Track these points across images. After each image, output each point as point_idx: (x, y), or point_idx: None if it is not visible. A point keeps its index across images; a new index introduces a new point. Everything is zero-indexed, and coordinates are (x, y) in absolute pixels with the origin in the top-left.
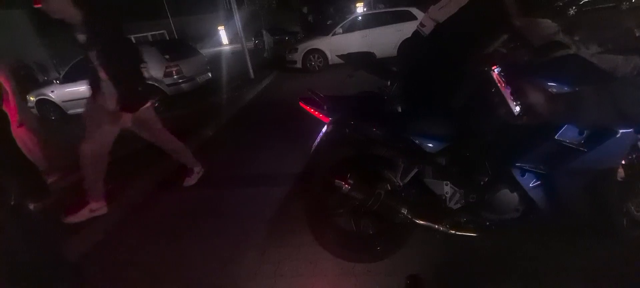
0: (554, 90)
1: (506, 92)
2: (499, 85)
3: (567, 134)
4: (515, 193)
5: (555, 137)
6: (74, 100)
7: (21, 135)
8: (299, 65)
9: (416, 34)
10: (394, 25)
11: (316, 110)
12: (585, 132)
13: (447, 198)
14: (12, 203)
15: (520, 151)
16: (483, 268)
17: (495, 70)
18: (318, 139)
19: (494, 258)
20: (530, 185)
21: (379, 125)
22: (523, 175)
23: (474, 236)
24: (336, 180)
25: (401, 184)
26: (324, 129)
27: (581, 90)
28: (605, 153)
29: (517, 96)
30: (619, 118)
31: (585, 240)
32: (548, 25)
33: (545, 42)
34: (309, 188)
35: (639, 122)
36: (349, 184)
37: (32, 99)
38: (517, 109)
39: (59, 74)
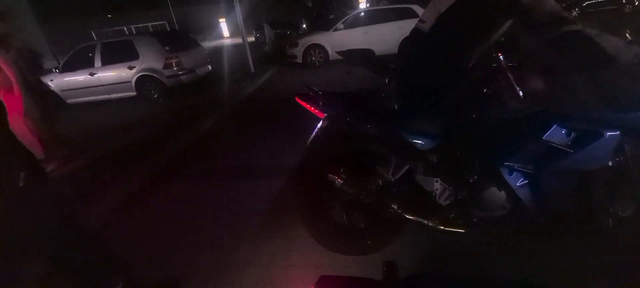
0: (552, 75)
1: (512, 76)
2: (505, 69)
3: (555, 135)
4: (502, 192)
5: (543, 137)
6: (73, 90)
7: (21, 124)
8: (299, 60)
9: (415, 31)
10: (396, 22)
11: (312, 106)
12: (572, 133)
13: (437, 195)
14: (21, 184)
15: (508, 150)
16: (469, 262)
17: (501, 56)
18: (313, 134)
19: (480, 253)
20: (518, 184)
21: (373, 122)
22: (511, 174)
23: (462, 232)
24: (329, 175)
25: (392, 180)
26: (319, 124)
27: (577, 76)
28: (592, 155)
29: (519, 81)
30: (613, 104)
31: (571, 239)
32: (553, 3)
33: (551, 18)
34: (303, 182)
35: (632, 109)
36: (341, 179)
37: None
38: (520, 93)
39: (59, 62)
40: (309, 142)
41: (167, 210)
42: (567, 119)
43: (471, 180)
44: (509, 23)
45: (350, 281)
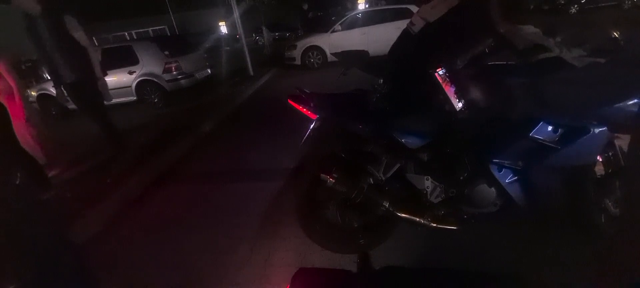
0: (490, 87)
1: (450, 91)
2: (442, 85)
3: (542, 132)
4: (493, 188)
5: (530, 134)
6: None
7: (23, 131)
8: (297, 62)
9: (405, 32)
10: (393, 22)
11: (304, 107)
12: (559, 130)
13: (428, 193)
14: (17, 182)
15: (497, 147)
16: (461, 258)
17: (440, 72)
18: (306, 135)
19: (473, 248)
20: (507, 180)
21: (364, 122)
22: (500, 171)
23: (454, 229)
24: (321, 175)
25: (383, 179)
26: (312, 125)
27: (510, 87)
28: (579, 151)
29: (460, 94)
30: (542, 108)
31: (562, 234)
32: (531, 30)
33: (528, 46)
34: (298, 183)
35: (560, 112)
36: (333, 178)
37: (33, 93)
38: (460, 105)
39: None
40: (302, 143)
41: (166, 212)
42: (553, 117)
43: (461, 178)
44: (491, 40)
45: (326, 273)
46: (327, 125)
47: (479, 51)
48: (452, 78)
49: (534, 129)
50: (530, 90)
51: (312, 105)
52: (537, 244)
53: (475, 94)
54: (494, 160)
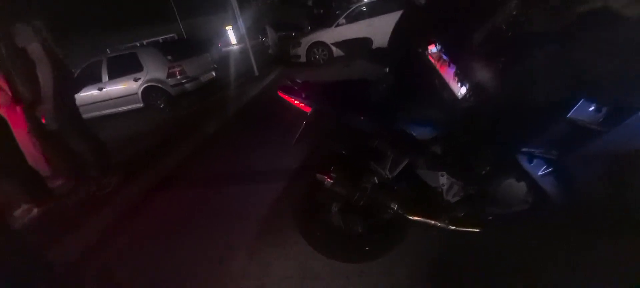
0: (503, 64)
1: (449, 73)
2: (437, 66)
3: (582, 112)
4: (522, 183)
5: (568, 116)
6: (83, 106)
7: (25, 141)
8: (303, 59)
9: (410, 4)
10: (399, 12)
11: (296, 99)
12: (603, 109)
13: (444, 191)
14: None
15: (526, 134)
16: (485, 268)
17: (433, 49)
18: (299, 132)
19: (499, 255)
20: (540, 172)
21: (365, 113)
22: (531, 162)
23: (476, 232)
24: (318, 175)
25: (390, 177)
26: (306, 120)
27: (530, 60)
28: (628, 134)
29: (463, 76)
30: (574, 84)
31: (606, 236)
32: None
33: None
34: (296, 186)
35: (596, 86)
36: (331, 179)
37: None
38: (463, 90)
39: None
40: (294, 141)
41: (164, 220)
42: (596, 95)
43: (483, 172)
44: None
45: None
46: (323, 118)
47: (499, 21)
48: (452, 56)
49: (572, 109)
50: (564, 62)
51: (304, 96)
52: (575, 250)
53: (486, 74)
54: (523, 150)
